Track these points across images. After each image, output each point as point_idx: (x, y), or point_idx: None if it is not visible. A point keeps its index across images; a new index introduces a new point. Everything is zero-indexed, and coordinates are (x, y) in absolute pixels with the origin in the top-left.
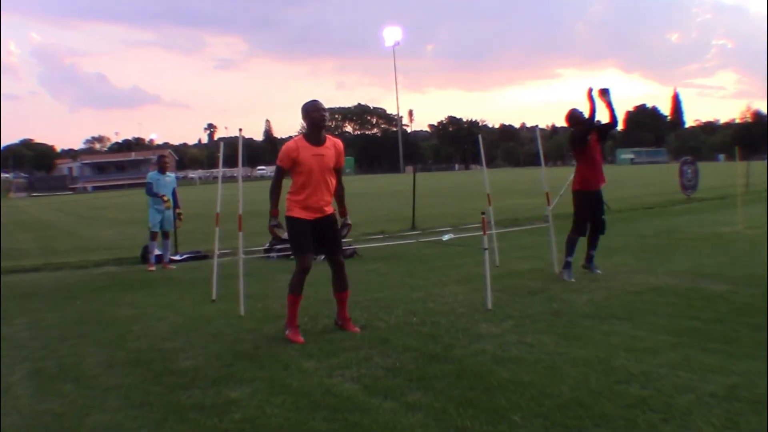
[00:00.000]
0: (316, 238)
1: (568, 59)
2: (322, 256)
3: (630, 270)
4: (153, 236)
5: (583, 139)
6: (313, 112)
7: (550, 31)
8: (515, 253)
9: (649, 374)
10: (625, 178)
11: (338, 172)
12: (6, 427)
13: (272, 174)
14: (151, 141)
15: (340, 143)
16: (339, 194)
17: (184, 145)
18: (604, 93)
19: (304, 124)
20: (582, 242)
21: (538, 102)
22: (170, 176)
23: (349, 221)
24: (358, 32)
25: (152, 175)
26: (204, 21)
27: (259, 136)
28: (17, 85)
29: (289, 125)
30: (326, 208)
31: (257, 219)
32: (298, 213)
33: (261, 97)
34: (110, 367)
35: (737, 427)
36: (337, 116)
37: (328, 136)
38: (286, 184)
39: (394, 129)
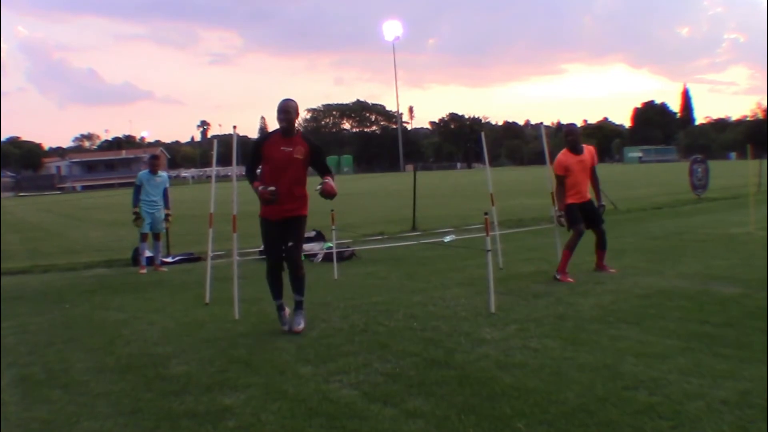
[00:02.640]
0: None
1: (574, 54)
2: (319, 258)
3: (638, 272)
4: (143, 237)
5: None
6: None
7: (556, 24)
8: (519, 255)
9: (657, 380)
10: (634, 178)
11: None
12: None
13: None
14: (143, 139)
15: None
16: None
17: (177, 143)
18: None
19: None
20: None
21: (543, 98)
22: (162, 176)
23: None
24: (357, 26)
25: (142, 175)
26: (197, 14)
27: (254, 134)
28: (3, 80)
29: None
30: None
31: (252, 220)
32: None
33: (256, 93)
34: (100, 372)
35: None
36: (335, 113)
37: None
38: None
39: (394, 126)
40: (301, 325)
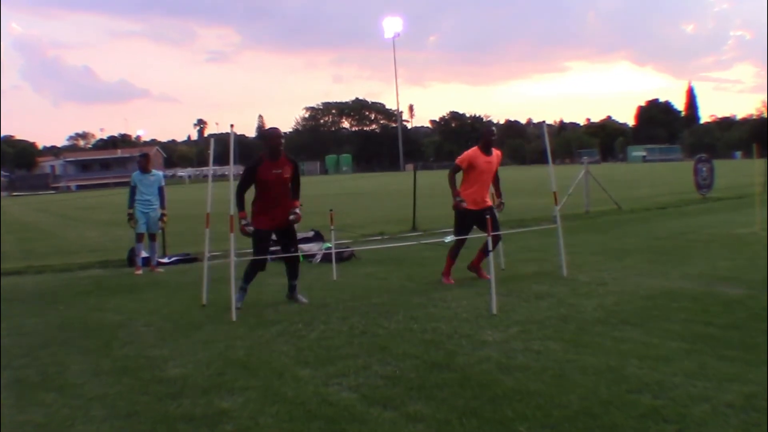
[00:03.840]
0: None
1: (577, 51)
2: (318, 259)
3: (642, 273)
4: (139, 238)
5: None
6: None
7: (559, 21)
8: (521, 256)
9: (662, 383)
10: (638, 177)
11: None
12: None
13: None
14: (138, 137)
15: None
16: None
17: (173, 141)
18: None
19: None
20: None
21: (546, 96)
22: (156, 174)
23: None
24: (357, 23)
25: (135, 175)
26: (194, 11)
27: (251, 133)
28: None
29: (283, 121)
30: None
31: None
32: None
33: (254, 92)
34: (95, 375)
35: None
36: (334, 111)
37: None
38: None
39: (394, 125)
40: (306, 300)
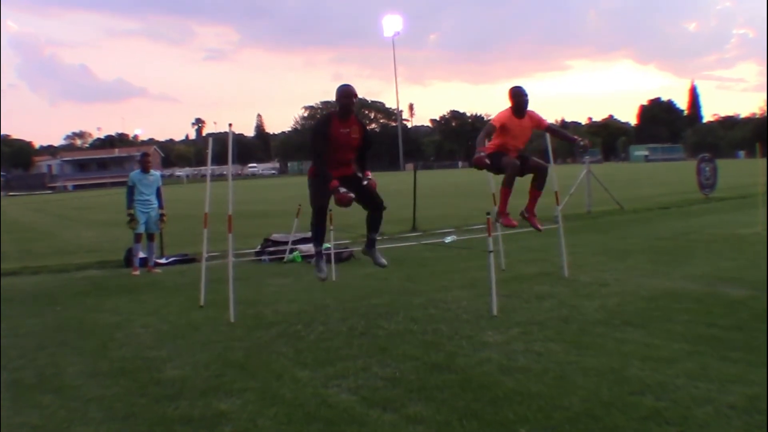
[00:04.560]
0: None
1: (578, 50)
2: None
3: (644, 274)
4: (137, 238)
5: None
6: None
7: (560, 20)
8: (522, 256)
9: (664, 385)
10: (640, 177)
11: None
12: None
13: (263, 172)
14: (136, 137)
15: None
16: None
17: (171, 141)
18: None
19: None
20: None
21: (547, 95)
22: (154, 174)
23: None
24: (356, 21)
25: (134, 175)
26: (192, 9)
27: (250, 132)
28: None
29: (282, 120)
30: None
31: (248, 220)
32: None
33: (252, 90)
34: (92, 377)
35: None
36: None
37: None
38: None
39: (394, 124)
40: (386, 261)
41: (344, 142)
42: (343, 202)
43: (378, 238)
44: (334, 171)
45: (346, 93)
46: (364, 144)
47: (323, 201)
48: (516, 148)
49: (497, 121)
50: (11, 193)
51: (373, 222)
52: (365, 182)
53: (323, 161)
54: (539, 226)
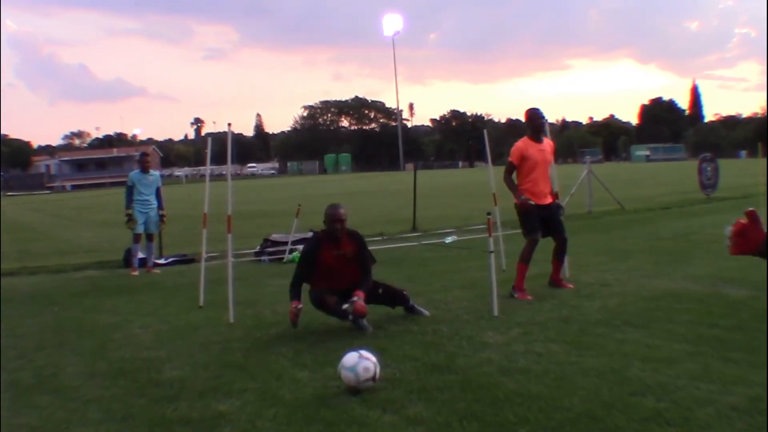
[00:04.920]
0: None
1: (579, 49)
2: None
3: (646, 274)
4: (136, 238)
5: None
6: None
7: (561, 19)
8: None
9: (665, 386)
10: (641, 177)
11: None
12: None
13: (262, 172)
14: (134, 137)
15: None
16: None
17: (170, 140)
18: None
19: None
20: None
21: (548, 95)
22: (154, 175)
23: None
24: (356, 20)
25: (133, 175)
26: (191, 8)
27: (249, 132)
28: None
29: (281, 120)
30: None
31: (247, 220)
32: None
33: (252, 90)
34: (91, 377)
35: None
36: (333, 110)
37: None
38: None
39: (394, 124)
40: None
41: (337, 266)
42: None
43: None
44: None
45: (332, 217)
46: (362, 260)
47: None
48: (544, 177)
49: (514, 156)
50: (9, 193)
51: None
52: (347, 305)
53: (297, 289)
54: (570, 285)
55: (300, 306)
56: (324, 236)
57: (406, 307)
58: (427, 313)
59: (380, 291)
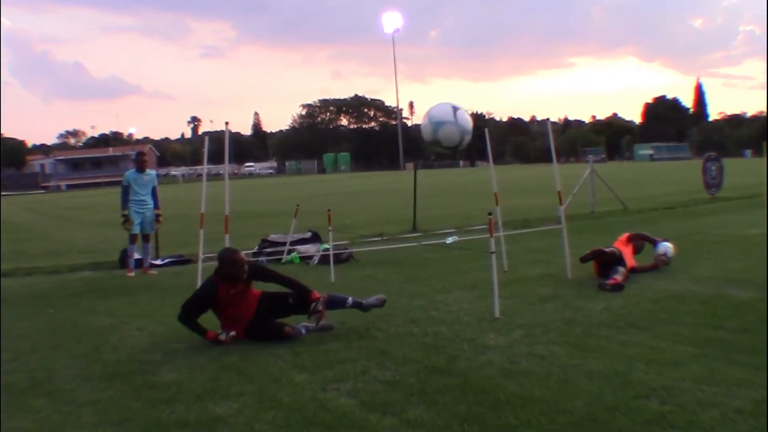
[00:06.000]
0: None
1: (582, 47)
2: (316, 261)
3: (649, 276)
4: (132, 239)
5: None
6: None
7: (564, 16)
8: (525, 257)
9: (669, 388)
10: (645, 176)
11: None
12: None
13: (260, 171)
14: (130, 135)
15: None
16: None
17: (166, 139)
18: None
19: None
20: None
21: (550, 93)
22: (150, 174)
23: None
24: (356, 17)
25: (129, 174)
26: (188, 5)
27: (247, 130)
28: None
29: (280, 118)
30: None
31: (245, 220)
32: None
33: (250, 88)
34: (86, 380)
35: None
36: (332, 109)
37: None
38: None
39: (394, 122)
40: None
41: (236, 301)
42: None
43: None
44: (233, 326)
45: (229, 261)
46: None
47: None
48: None
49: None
50: (3, 193)
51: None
52: (313, 316)
53: (193, 324)
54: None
55: (230, 334)
56: (217, 279)
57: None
58: (377, 299)
59: (290, 300)
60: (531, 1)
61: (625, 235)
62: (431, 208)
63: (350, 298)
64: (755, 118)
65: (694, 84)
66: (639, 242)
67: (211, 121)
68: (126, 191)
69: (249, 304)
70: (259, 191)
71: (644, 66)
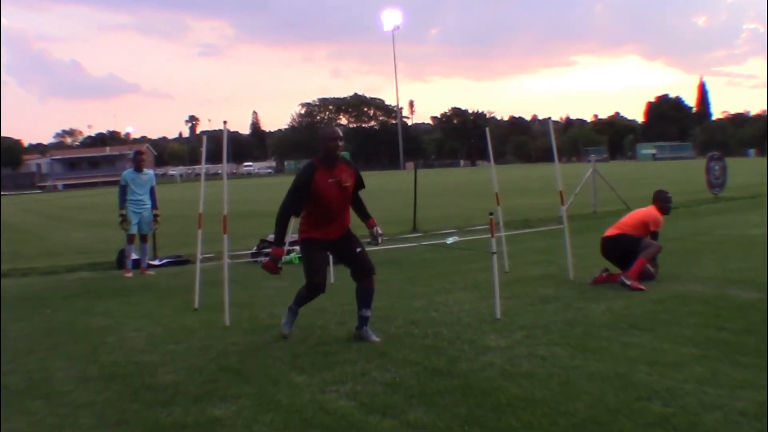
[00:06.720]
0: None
1: (584, 45)
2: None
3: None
4: (130, 239)
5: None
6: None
7: (565, 13)
8: (526, 258)
9: (672, 390)
10: (647, 176)
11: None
12: None
13: (259, 171)
14: (128, 135)
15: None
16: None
17: (164, 139)
18: None
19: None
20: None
21: (552, 92)
22: (147, 174)
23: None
24: (355, 15)
25: (127, 174)
26: (186, 3)
27: (245, 130)
28: None
29: (278, 117)
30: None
31: (243, 220)
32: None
33: (248, 87)
34: (83, 382)
35: None
36: (331, 108)
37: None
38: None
39: (394, 121)
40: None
41: (332, 196)
42: (267, 271)
43: (367, 314)
44: (320, 232)
45: (329, 136)
46: (358, 184)
47: (319, 278)
48: None
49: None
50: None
51: (364, 296)
52: (358, 249)
53: (284, 223)
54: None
55: (283, 255)
56: (319, 160)
57: (359, 321)
58: (376, 339)
59: (358, 251)
60: None
61: (640, 212)
62: (432, 208)
63: (366, 310)
64: (759, 117)
65: (697, 82)
66: (663, 204)
67: (210, 120)
68: (123, 191)
69: (341, 204)
70: (258, 191)
71: (647, 64)
